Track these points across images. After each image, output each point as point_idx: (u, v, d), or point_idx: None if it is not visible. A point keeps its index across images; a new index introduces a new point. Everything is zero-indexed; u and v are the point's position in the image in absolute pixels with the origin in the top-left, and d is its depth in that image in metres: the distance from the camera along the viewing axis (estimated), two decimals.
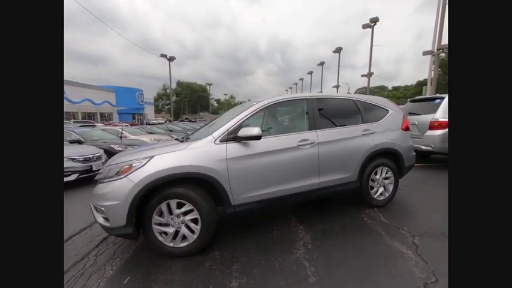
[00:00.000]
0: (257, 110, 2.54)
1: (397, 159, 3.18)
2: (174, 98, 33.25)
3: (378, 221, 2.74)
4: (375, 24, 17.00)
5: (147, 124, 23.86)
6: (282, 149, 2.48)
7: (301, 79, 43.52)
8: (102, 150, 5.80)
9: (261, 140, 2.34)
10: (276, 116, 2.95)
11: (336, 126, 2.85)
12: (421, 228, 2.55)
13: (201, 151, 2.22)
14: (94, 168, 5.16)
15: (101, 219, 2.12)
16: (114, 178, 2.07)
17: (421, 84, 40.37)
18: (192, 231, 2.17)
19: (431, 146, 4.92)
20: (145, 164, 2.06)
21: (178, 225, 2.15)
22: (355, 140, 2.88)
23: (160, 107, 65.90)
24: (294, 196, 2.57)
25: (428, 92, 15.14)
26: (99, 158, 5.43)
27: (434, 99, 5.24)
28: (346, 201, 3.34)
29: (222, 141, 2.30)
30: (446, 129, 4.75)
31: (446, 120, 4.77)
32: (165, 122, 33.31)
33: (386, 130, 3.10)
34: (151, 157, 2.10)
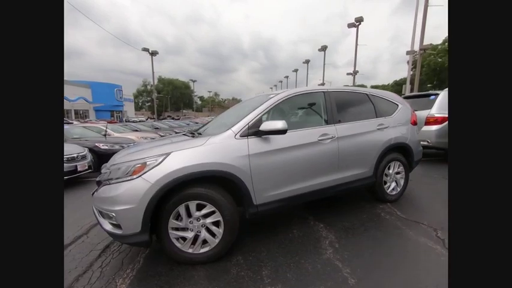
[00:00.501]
0: (277, 103, 2.39)
1: (408, 153, 3.18)
2: (155, 95, 31.93)
3: (396, 216, 2.72)
4: (360, 23, 17.45)
5: (126, 122, 22.63)
6: (303, 144, 2.35)
7: (286, 77, 43.89)
8: (86, 149, 5.31)
9: (276, 136, 2.19)
10: (292, 110, 2.81)
11: (353, 120, 2.77)
12: (439, 221, 2.55)
13: (221, 147, 2.02)
14: (79, 169, 4.70)
15: (108, 226, 1.85)
16: (125, 179, 1.80)
17: (398, 83, 42.36)
18: (213, 235, 1.98)
19: (428, 141, 5.07)
20: (161, 161, 1.82)
21: (198, 229, 1.94)
22: (372, 135, 2.83)
23: (140, 104, 63.02)
24: (314, 193, 2.45)
25: (407, 91, 15.83)
26: (84, 157, 4.97)
27: (429, 95, 5.40)
28: (357, 197, 3.30)
29: (242, 136, 2.12)
30: (442, 125, 4.92)
31: (442, 115, 4.94)
32: (146, 119, 31.82)
33: (397, 125, 3.08)
34: (167, 154, 1.86)
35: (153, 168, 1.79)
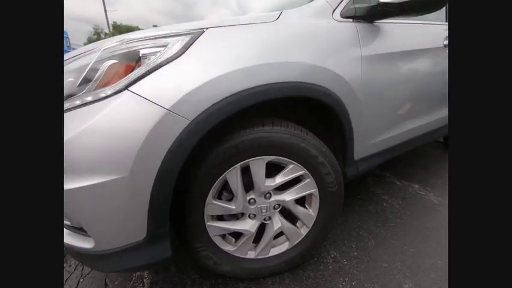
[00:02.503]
0: None
1: None
2: None
3: None
4: None
5: None
6: (428, 48, 1.31)
7: None
8: None
9: (393, 27, 1.11)
10: None
11: None
12: None
13: (310, 33, 0.88)
14: None
15: None
16: (80, 100, 0.63)
17: None
18: (294, 222, 0.98)
19: None
20: (184, 50, 0.65)
21: (266, 213, 0.91)
22: None
23: None
24: (419, 139, 1.52)
25: None
26: None
27: None
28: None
29: (345, 16, 0.98)
30: None
31: None
32: None
33: None
34: (198, 33, 0.69)
35: (163, 65, 0.62)
